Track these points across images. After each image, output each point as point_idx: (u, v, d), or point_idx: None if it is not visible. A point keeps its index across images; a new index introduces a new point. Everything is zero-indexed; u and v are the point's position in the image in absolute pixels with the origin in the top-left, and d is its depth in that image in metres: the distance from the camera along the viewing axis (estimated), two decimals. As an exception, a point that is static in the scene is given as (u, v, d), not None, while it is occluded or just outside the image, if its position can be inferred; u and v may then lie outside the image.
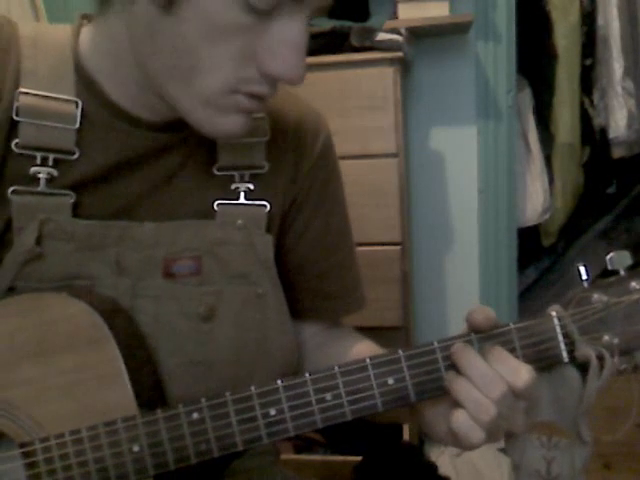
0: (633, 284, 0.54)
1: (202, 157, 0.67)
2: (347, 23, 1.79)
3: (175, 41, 0.53)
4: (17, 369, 0.57)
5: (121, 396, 0.57)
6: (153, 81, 0.59)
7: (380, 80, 1.73)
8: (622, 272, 0.55)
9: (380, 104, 1.73)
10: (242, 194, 0.67)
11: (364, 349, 0.75)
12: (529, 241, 2.29)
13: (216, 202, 0.66)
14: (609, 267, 0.55)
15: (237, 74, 0.55)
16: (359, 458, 1.63)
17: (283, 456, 1.69)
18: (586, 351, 0.53)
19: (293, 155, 0.70)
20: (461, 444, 0.55)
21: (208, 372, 0.63)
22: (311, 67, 1.77)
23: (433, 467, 1.63)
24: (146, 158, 0.64)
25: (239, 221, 0.66)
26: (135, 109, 0.63)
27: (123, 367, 0.57)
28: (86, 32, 0.64)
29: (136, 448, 0.55)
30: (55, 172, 0.61)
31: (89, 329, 0.57)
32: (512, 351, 0.56)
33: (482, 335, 0.56)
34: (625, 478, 1.75)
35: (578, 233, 2.46)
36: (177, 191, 0.66)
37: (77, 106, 0.62)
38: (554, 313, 0.56)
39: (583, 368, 0.54)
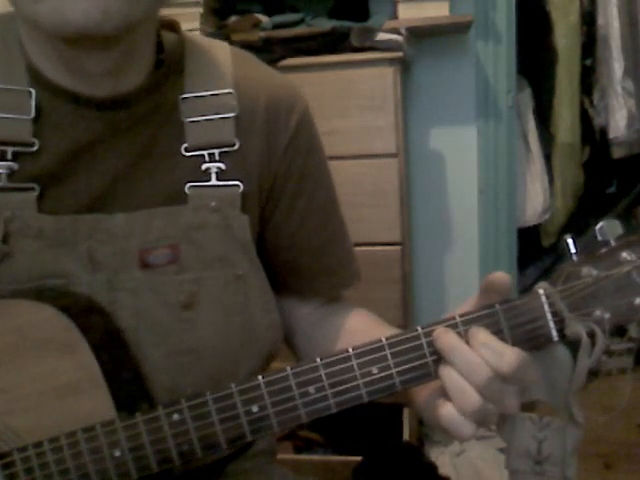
0: (624, 255, 0.51)
1: (168, 138, 0.65)
2: (347, 23, 1.79)
3: None
4: None
5: (99, 401, 0.56)
6: (24, 22, 0.57)
7: (380, 80, 1.73)
8: (612, 242, 0.53)
9: (380, 104, 1.73)
10: (214, 175, 0.65)
11: (358, 325, 0.74)
12: (529, 241, 2.29)
13: (187, 185, 0.64)
14: (599, 237, 0.52)
15: None
16: (359, 458, 1.62)
17: (282, 456, 1.69)
18: (576, 328, 0.51)
19: (265, 131, 0.68)
20: (454, 436, 0.54)
21: (194, 361, 0.62)
22: (311, 67, 1.78)
23: (433, 467, 1.62)
24: (106, 142, 0.62)
25: (212, 203, 0.64)
26: (73, 85, 0.61)
27: (98, 371, 0.56)
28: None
29: (117, 453, 0.54)
30: (15, 166, 0.60)
31: (61, 334, 0.56)
32: (499, 332, 0.54)
33: (467, 317, 0.54)
34: (625, 478, 1.74)
35: (578, 233, 2.45)
36: (146, 176, 0.64)
37: (30, 96, 0.60)
38: (541, 291, 0.54)
39: (574, 346, 0.52)
